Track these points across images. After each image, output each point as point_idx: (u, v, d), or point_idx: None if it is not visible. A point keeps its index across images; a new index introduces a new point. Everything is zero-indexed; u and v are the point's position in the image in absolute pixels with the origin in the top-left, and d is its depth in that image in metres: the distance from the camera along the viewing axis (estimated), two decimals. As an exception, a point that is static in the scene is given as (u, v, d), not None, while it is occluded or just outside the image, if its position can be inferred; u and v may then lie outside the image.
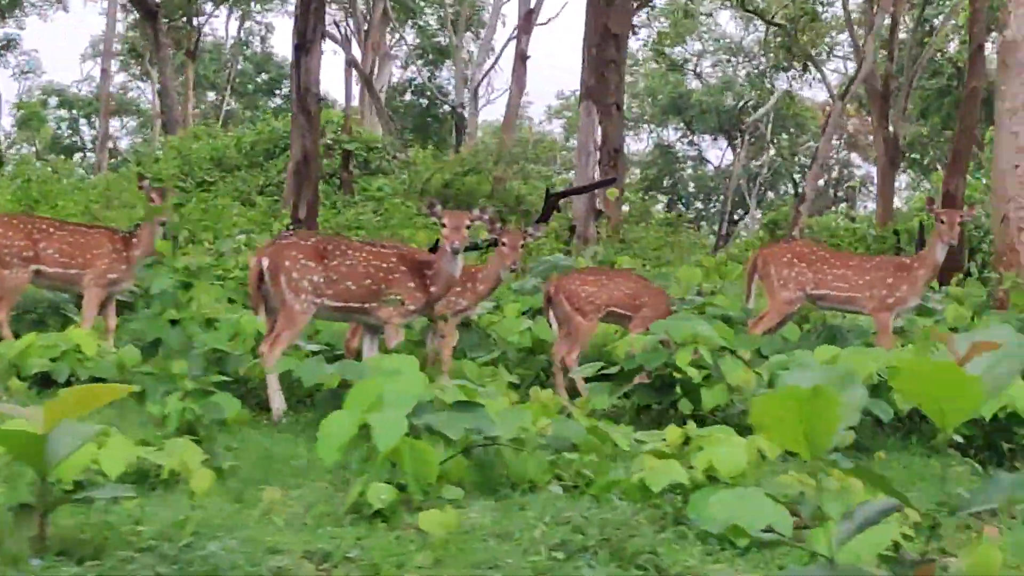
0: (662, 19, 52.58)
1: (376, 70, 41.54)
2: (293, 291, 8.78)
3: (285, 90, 47.32)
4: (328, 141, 31.66)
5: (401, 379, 6.63)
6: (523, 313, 11.23)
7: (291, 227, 20.19)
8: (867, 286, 11.14)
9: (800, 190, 39.73)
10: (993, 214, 14.10)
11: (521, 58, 33.38)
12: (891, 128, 35.38)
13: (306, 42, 20.98)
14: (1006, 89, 13.27)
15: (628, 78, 57.56)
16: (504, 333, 10.50)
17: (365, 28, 42.43)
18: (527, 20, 32.51)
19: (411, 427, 6.38)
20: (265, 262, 8.80)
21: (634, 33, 35.56)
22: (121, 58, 52.33)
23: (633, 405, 9.20)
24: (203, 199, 22.85)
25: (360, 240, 9.96)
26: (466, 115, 40.09)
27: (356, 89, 45.17)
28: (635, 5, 29.48)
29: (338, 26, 43.82)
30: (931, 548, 5.54)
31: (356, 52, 43.09)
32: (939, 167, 47.78)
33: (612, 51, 28.07)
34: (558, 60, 57.48)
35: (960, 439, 9.14)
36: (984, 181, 24.13)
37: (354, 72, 42.98)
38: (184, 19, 39.11)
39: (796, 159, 55.27)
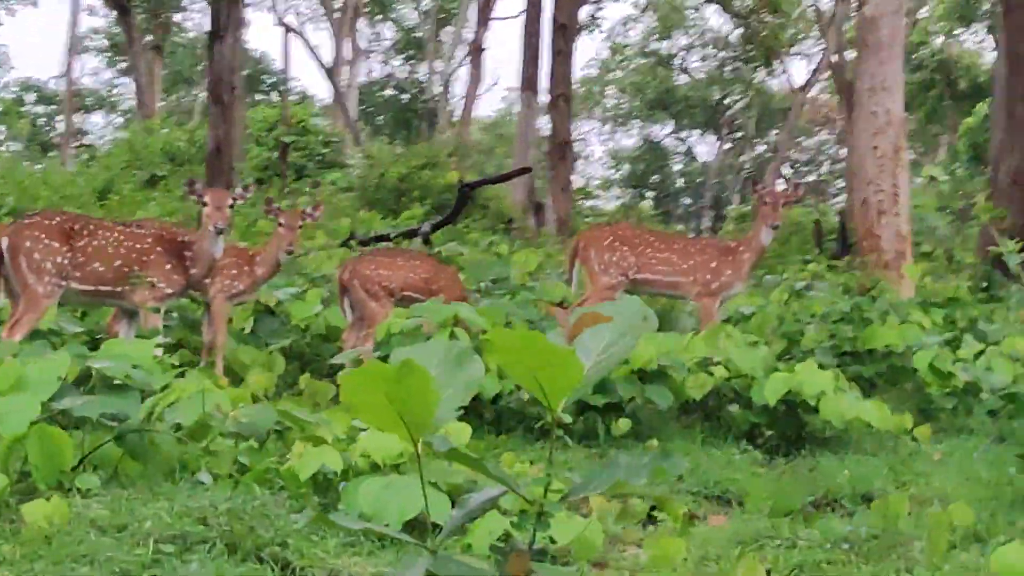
0: (651, 12, 52.24)
1: (337, 62, 41.23)
2: (35, 273, 8.40)
3: (264, 85, 47.07)
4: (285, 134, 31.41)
5: (46, 361, 6.25)
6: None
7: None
8: (691, 270, 10.74)
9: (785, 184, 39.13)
10: (854, 197, 13.66)
11: (477, 50, 33.02)
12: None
13: (220, 29, 20.67)
14: (865, 68, 12.82)
15: (617, 73, 57.38)
16: (296, 318, 10.13)
17: (338, 21, 42.14)
18: (484, 12, 32.13)
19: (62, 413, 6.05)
20: (4, 242, 8.43)
21: (596, 26, 35.17)
22: (108, 54, 52.27)
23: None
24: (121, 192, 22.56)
25: (113, 220, 9.57)
26: (438, 109, 39.74)
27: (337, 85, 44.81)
28: None
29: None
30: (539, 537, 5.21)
31: (328, 46, 42.84)
32: (924, 161, 47.27)
33: (560, 42, 27.73)
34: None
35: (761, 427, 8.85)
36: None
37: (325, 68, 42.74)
38: (146, 13, 38.71)
39: (790, 153, 54.68)
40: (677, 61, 53.11)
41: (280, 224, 9.32)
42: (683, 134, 55.51)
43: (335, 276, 10.53)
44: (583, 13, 35.76)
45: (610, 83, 57.35)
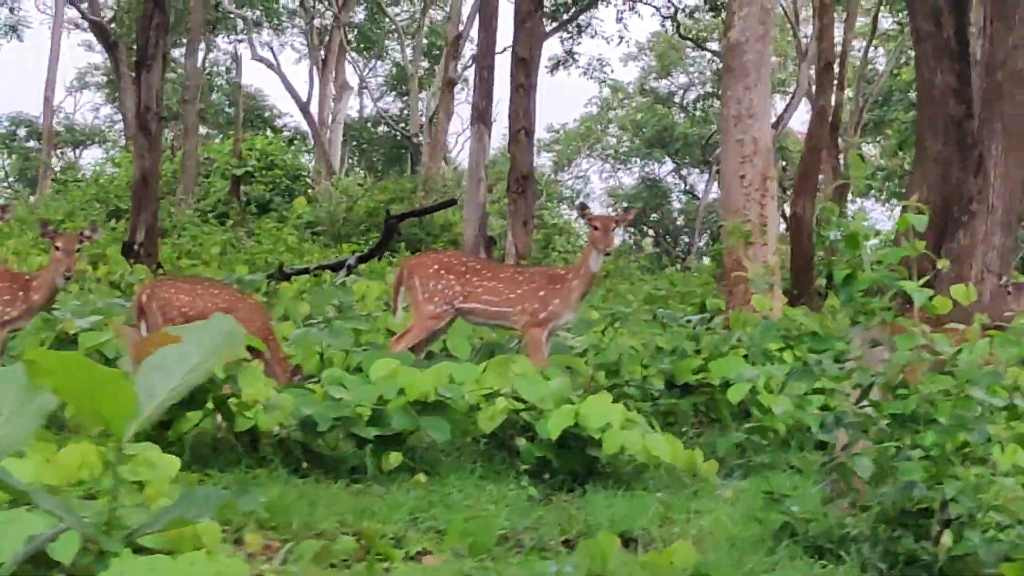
0: (648, 52, 52.04)
1: (322, 98, 41.22)
2: None
3: (257, 120, 47.01)
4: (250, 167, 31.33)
5: None
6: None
7: (127, 253, 19.71)
8: (518, 300, 10.37)
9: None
10: (725, 227, 13.26)
11: (448, 84, 32.78)
12: (840, 159, 34.37)
13: (147, 58, 20.48)
14: (731, 94, 12.43)
15: (619, 112, 57.19)
16: (85, 346, 9.79)
17: (322, 58, 42.12)
18: (454, 46, 31.90)
19: None
20: None
21: (573, 61, 34.90)
22: (106, 90, 52.50)
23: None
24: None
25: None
26: (421, 143, 39.53)
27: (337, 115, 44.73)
28: (547, 29, 28.74)
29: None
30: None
31: (301, 80, 42.76)
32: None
33: (521, 76, 27.41)
34: (544, 92, 56.66)
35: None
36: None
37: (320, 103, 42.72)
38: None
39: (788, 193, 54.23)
40: (676, 99, 52.85)
41: (56, 248, 9.02)
42: (683, 172, 55.16)
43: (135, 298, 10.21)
44: (558, 48, 35.66)
45: (611, 121, 57.16)
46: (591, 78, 37.34)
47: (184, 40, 42.61)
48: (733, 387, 9.25)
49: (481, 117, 25.47)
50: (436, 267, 10.42)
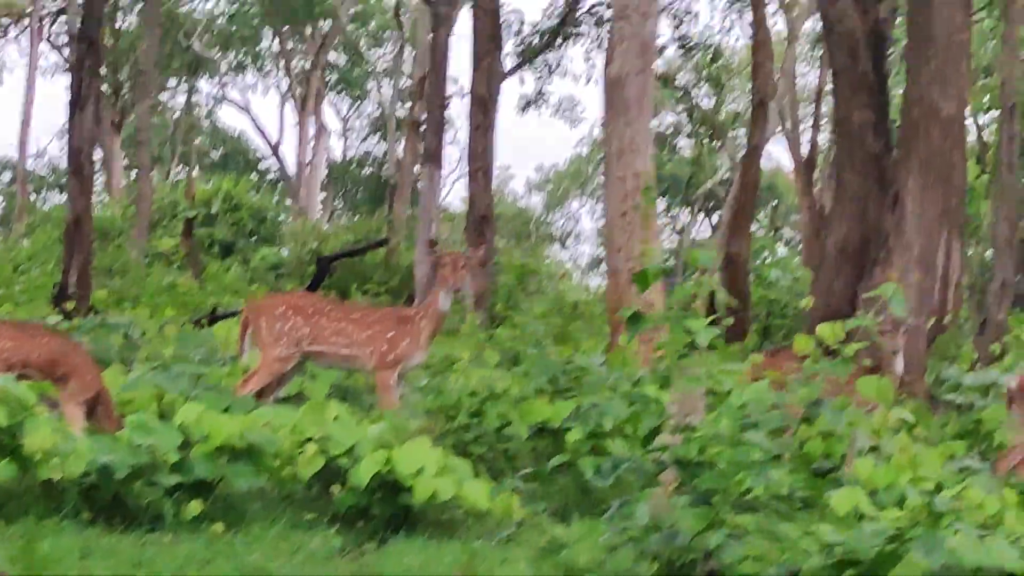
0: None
1: (302, 139, 41.20)
2: None
3: (240, 162, 46.97)
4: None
5: None
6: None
7: (60, 296, 19.52)
8: (367, 341, 10.11)
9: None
10: (609, 267, 12.96)
11: (413, 125, 32.61)
12: (815, 197, 34.08)
13: (80, 99, 20.34)
14: (612, 130, 12.18)
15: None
16: None
17: (302, 99, 42.09)
18: (420, 87, 31.71)
19: None
20: None
21: (543, 101, 34.68)
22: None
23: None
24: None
25: None
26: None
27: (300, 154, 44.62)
28: (508, 69, 28.59)
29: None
30: None
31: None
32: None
33: (479, 116, 27.27)
34: (535, 131, 56.83)
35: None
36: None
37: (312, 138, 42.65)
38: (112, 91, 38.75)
39: (779, 232, 54.00)
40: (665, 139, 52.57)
41: None
42: (672, 212, 54.86)
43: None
44: (530, 88, 35.48)
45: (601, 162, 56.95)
46: (562, 118, 37.16)
47: (171, 82, 42.91)
48: (571, 429, 8.96)
49: (432, 157, 25.30)
50: (283, 308, 10.16)
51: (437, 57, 24.81)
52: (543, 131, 51.91)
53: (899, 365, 10.96)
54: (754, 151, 18.94)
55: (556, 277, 35.07)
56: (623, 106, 11.99)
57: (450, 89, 38.27)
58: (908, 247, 15.15)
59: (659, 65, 35.65)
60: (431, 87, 25.05)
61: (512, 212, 58.80)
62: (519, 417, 9.29)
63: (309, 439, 8.35)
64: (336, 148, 47.81)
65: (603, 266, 56.05)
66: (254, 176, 46.93)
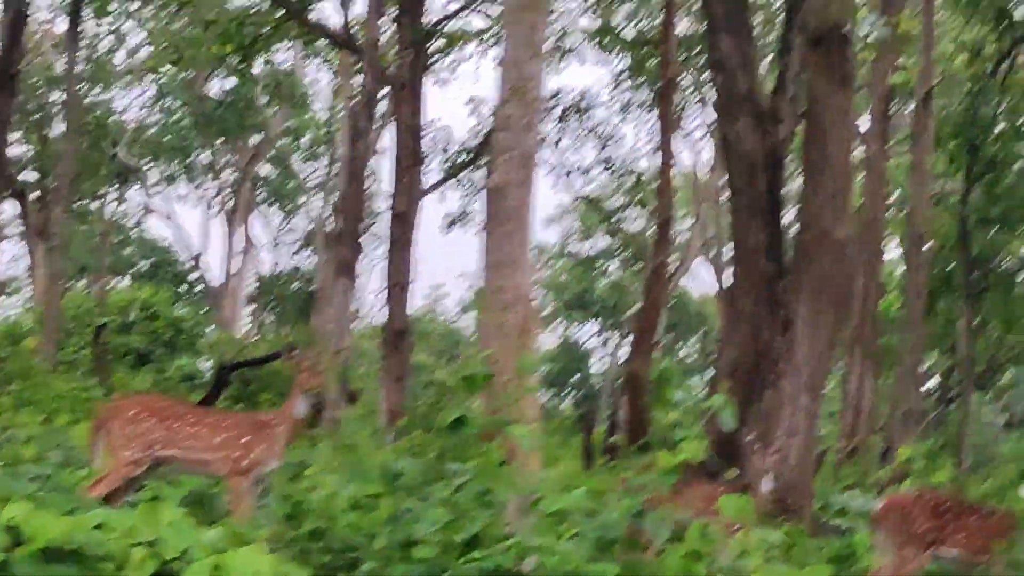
0: (571, 216, 52.18)
1: (230, 252, 41.09)
2: None
3: (171, 273, 46.62)
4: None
5: None
6: None
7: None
8: (221, 446, 9.84)
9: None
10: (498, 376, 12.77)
11: (338, 238, 32.54)
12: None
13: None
14: (492, 242, 12.10)
15: (545, 272, 57.13)
16: None
17: (231, 211, 42.01)
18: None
19: None
20: None
21: (470, 219, 34.77)
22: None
23: None
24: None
25: None
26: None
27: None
28: (426, 187, 28.68)
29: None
30: None
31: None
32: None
33: (398, 231, 27.31)
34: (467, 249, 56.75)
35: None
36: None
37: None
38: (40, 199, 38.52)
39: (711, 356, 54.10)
40: (599, 262, 52.92)
41: None
42: (604, 334, 54.96)
43: None
44: (454, 205, 35.65)
45: (536, 283, 57.22)
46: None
47: (100, 191, 42.73)
48: (377, 537, 8.72)
49: (345, 269, 25.19)
50: (136, 411, 9.88)
51: (353, 169, 24.85)
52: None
53: (766, 485, 10.84)
54: (658, 270, 18.96)
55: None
56: (503, 217, 11.94)
57: (383, 204, 38.49)
58: (798, 371, 15.11)
59: (594, 189, 36.07)
60: (347, 200, 25.06)
61: (442, 330, 58.78)
62: (365, 525, 9.04)
63: (140, 542, 8.05)
64: (267, 261, 47.70)
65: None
66: (183, 287, 46.58)
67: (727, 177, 16.68)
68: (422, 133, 34.17)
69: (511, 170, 11.91)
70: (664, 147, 19.16)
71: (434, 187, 30.34)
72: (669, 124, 19.42)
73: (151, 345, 31.77)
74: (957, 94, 31.35)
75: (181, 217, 61.78)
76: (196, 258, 39.60)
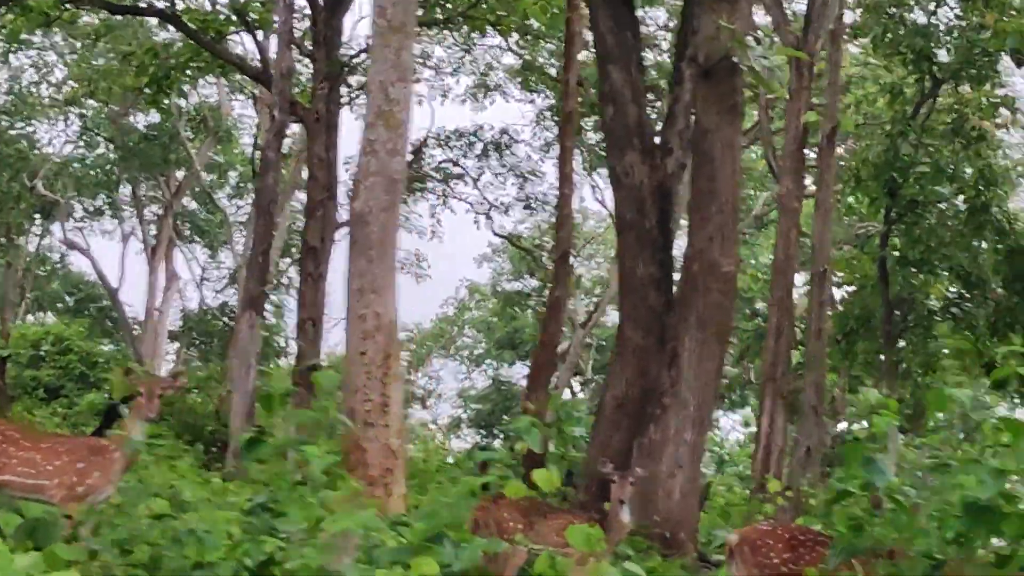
0: (502, 255, 51.99)
1: (152, 289, 40.66)
2: None
3: (94, 308, 46.08)
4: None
5: None
6: None
7: None
8: (56, 472, 9.52)
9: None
10: (347, 408, 12.55)
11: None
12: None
13: None
14: (354, 269, 11.86)
15: (475, 313, 56.95)
16: None
17: (153, 245, 41.54)
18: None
19: None
20: None
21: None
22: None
23: None
24: None
25: None
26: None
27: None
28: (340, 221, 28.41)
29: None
30: None
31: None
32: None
33: (310, 265, 27.01)
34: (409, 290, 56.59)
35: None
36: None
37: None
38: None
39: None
40: (530, 301, 52.66)
41: None
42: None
43: None
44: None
45: (467, 323, 56.98)
46: (408, 273, 37.05)
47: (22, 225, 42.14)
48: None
49: (252, 304, 24.81)
50: (-30, 436, 9.58)
51: (260, 202, 24.56)
52: (414, 289, 51.54)
53: (624, 515, 10.62)
54: (556, 303, 18.76)
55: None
56: (366, 243, 11.71)
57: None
58: (684, 405, 14.97)
59: (510, 225, 35.92)
60: (257, 233, 24.72)
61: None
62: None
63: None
64: (193, 298, 47.19)
65: (464, 428, 55.91)
66: (109, 323, 46.00)
67: (616, 210, 16.56)
68: (344, 166, 34.08)
69: (375, 195, 11.69)
70: (563, 178, 19.02)
71: (346, 223, 30.01)
72: (568, 156, 19.28)
73: (62, 379, 31.29)
74: (878, 135, 31.46)
75: (104, 252, 61.11)
76: (114, 293, 39.09)
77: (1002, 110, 30.11)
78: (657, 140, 16.40)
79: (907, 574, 6.86)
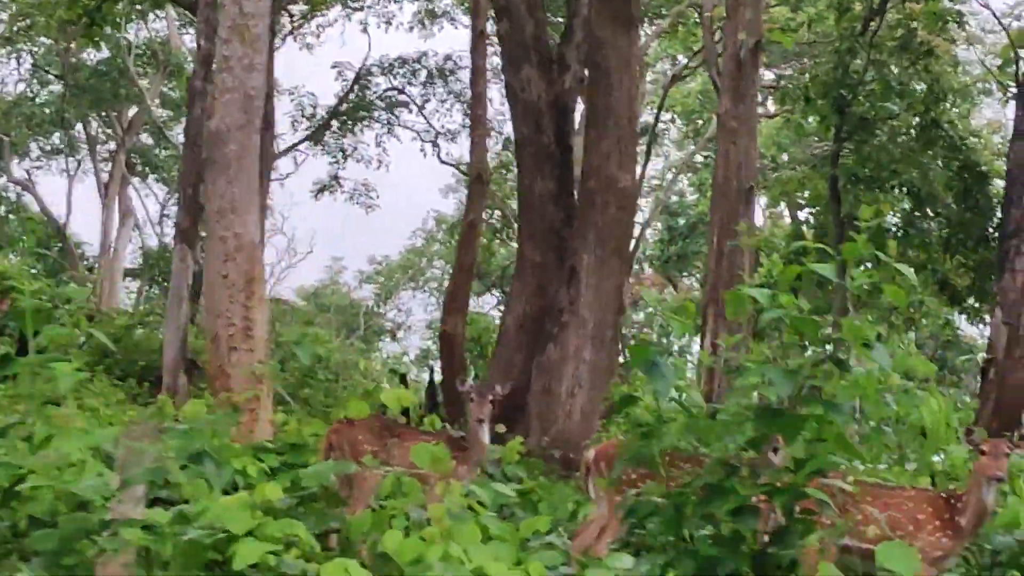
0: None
1: (107, 225, 40.35)
2: None
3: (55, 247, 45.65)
4: None
5: None
6: None
7: None
8: None
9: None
10: (206, 332, 12.28)
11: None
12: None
13: None
14: (213, 188, 11.53)
15: (443, 246, 56.59)
16: None
17: (106, 182, 41.13)
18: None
19: None
20: None
21: (338, 186, 33.96)
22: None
23: None
24: None
25: None
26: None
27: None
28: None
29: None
30: None
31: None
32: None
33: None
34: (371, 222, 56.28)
35: None
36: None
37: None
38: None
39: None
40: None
41: None
42: (501, 306, 54.35)
43: None
44: (322, 172, 35.04)
45: (435, 254, 56.64)
46: (357, 203, 36.38)
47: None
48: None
49: (184, 238, 24.48)
50: None
51: (189, 133, 24.13)
52: (378, 222, 51.25)
53: (484, 435, 10.34)
54: (470, 228, 18.45)
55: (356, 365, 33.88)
56: (224, 163, 11.34)
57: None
58: (583, 322, 14.70)
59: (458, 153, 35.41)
60: (184, 164, 24.32)
61: (344, 303, 58.07)
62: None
63: None
64: (154, 236, 46.84)
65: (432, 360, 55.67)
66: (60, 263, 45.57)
67: (513, 126, 16.21)
68: (287, 96, 33.67)
69: (231, 113, 11.33)
70: (475, 99, 18.63)
71: (284, 152, 29.69)
72: (480, 75, 18.87)
73: (4, 318, 30.85)
74: (828, 52, 31.00)
75: (57, 190, 60.76)
76: (60, 228, 38.76)
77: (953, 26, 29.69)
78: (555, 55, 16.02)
79: (705, 480, 6.61)
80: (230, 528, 8.53)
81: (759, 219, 44.10)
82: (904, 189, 30.93)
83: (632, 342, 17.18)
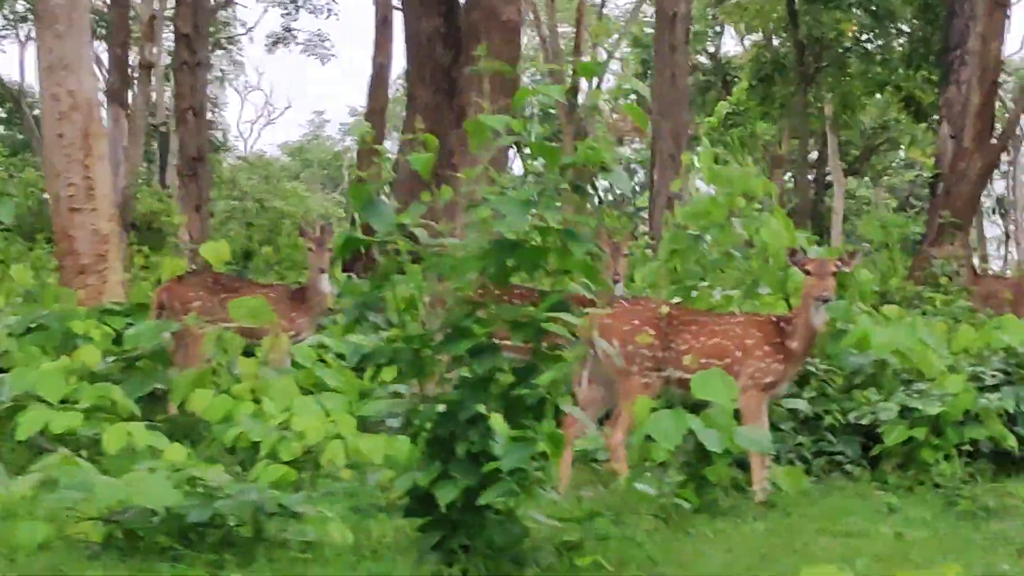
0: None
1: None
2: None
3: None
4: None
5: None
6: None
7: None
8: None
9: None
10: (50, 195, 11.92)
11: (146, 68, 31.43)
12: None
13: None
14: (43, 44, 11.06)
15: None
16: None
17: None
18: (149, 27, 30.46)
19: None
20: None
21: (292, 38, 33.36)
22: None
23: None
24: None
25: None
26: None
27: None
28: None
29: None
30: None
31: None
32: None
33: (184, 53, 26.09)
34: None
35: None
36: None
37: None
38: None
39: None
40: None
41: None
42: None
43: None
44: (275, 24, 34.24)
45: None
46: (312, 55, 35.65)
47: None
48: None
49: (115, 96, 24.08)
50: None
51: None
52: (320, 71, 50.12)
53: (324, 285, 10.07)
54: (380, 71, 17.98)
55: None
56: (52, 17, 10.90)
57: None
58: (473, 163, 14.27)
59: None
60: (112, 21, 23.77)
61: (328, 157, 57.54)
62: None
63: None
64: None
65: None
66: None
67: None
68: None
69: (56, -40, 10.85)
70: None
71: (223, 6, 28.99)
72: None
73: (-41, 192, 30.59)
74: None
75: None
76: (16, 95, 38.24)
77: None
78: None
79: (448, 321, 6.33)
80: (44, 395, 8.33)
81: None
82: (862, 7, 30.14)
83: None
